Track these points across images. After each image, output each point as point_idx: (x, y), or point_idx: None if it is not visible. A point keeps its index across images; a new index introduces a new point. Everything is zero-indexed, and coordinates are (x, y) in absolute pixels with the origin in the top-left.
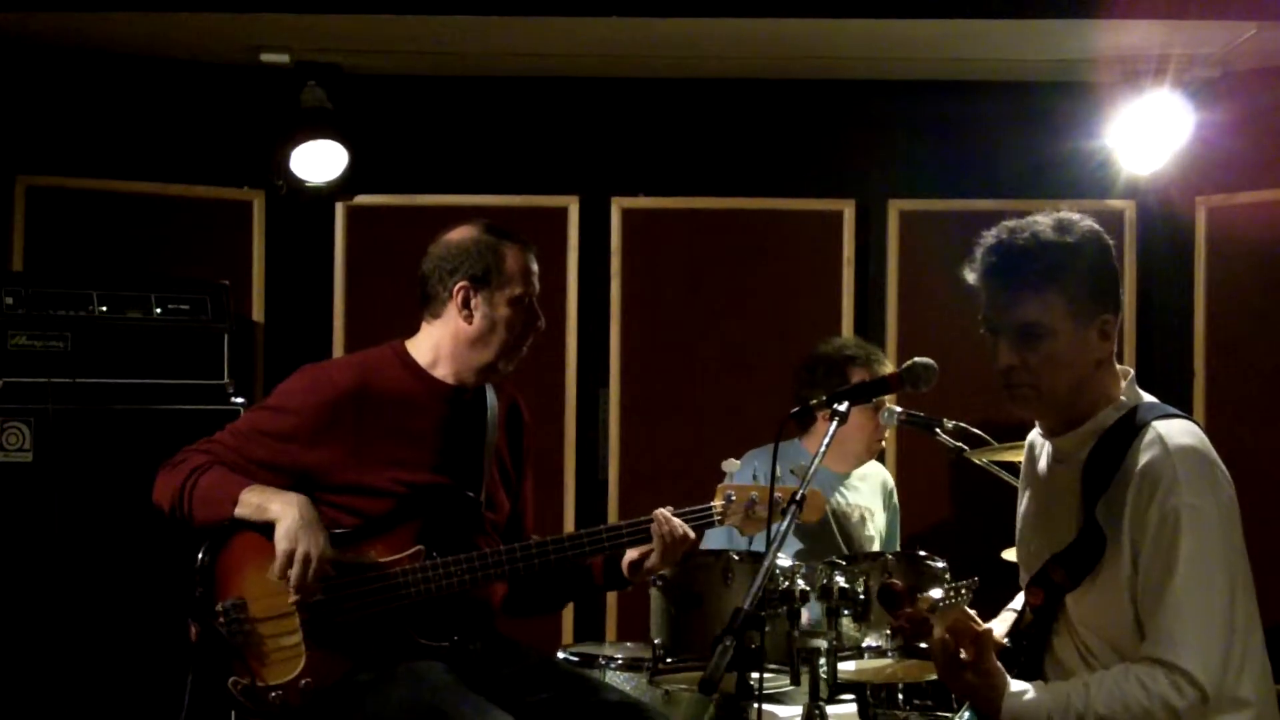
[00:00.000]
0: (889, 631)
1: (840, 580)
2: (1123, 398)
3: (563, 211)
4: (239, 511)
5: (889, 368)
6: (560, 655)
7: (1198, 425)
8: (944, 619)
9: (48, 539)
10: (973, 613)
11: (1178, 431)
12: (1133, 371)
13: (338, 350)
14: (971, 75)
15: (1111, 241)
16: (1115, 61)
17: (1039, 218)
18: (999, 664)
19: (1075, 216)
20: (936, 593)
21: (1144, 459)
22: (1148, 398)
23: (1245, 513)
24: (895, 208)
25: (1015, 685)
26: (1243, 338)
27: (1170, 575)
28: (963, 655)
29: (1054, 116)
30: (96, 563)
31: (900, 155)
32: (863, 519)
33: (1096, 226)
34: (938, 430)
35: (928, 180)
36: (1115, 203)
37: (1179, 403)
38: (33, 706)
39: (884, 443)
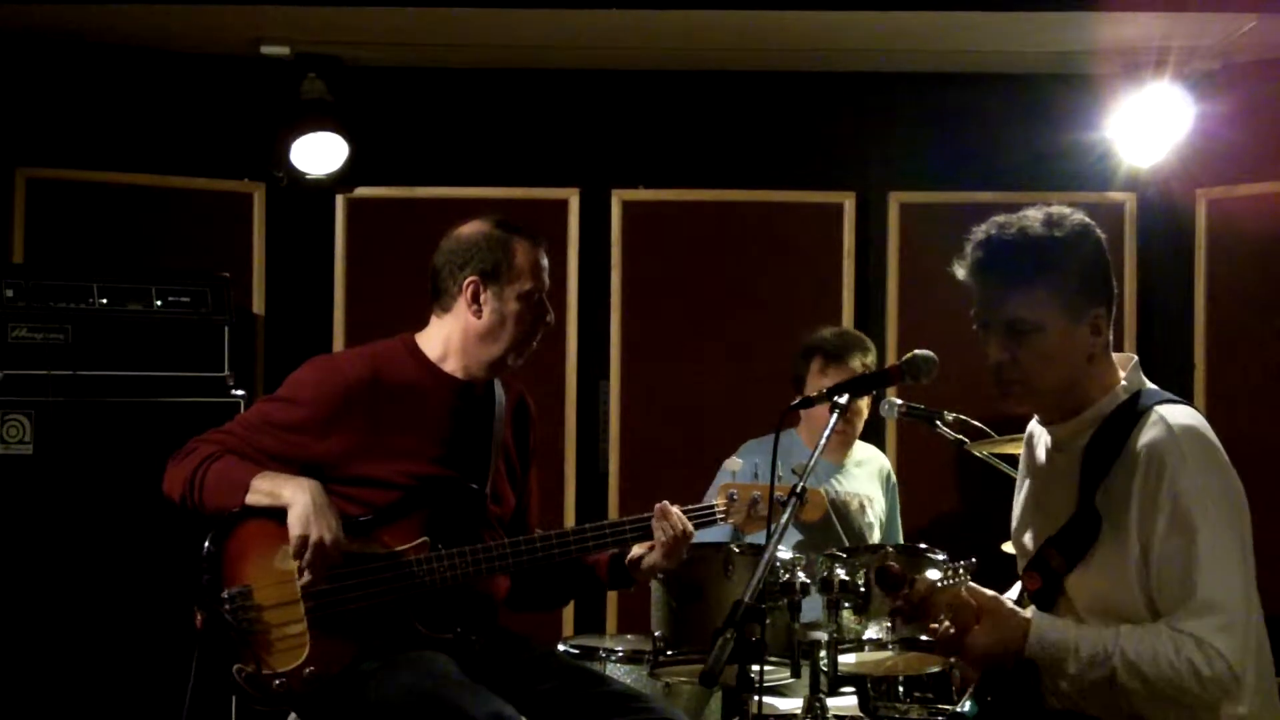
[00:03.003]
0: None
1: (841, 573)
2: (1124, 383)
3: (563, 204)
4: (251, 499)
5: (859, 359)
6: (561, 647)
7: (1199, 412)
8: (942, 602)
9: (48, 531)
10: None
11: (1181, 414)
12: (1136, 358)
13: (338, 342)
14: (972, 67)
15: (1104, 235)
16: (1115, 53)
17: (1029, 212)
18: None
19: (1066, 211)
20: (934, 574)
21: (1148, 442)
22: (1150, 385)
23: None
24: (896, 200)
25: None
26: (1243, 330)
27: (1193, 552)
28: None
29: (1054, 109)
30: (97, 554)
31: (901, 148)
32: (861, 506)
33: (1088, 220)
34: (938, 423)
35: (928, 173)
36: (1115, 195)
37: (1179, 394)
38: (35, 697)
39: (860, 419)
